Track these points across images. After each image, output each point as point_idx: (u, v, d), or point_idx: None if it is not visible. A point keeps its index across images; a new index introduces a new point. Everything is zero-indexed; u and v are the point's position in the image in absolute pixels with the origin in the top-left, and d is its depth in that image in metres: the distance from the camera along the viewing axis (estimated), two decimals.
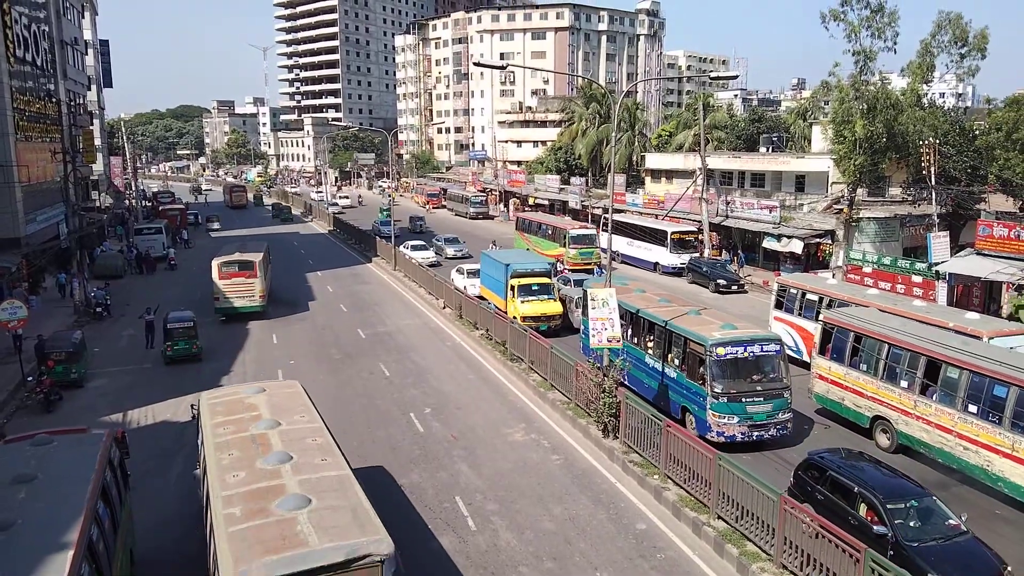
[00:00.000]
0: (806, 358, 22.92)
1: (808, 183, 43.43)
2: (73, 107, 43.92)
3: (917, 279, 30.06)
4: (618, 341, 18.31)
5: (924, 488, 13.22)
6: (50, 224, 35.87)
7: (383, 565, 9.04)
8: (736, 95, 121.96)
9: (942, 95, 55.93)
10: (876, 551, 10.81)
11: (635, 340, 21.37)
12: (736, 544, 13.11)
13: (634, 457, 16.69)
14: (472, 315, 29.39)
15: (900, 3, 49.63)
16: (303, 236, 62.69)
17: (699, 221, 43.23)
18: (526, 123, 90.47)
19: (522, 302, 28.20)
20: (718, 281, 36.63)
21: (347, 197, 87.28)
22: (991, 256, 28.14)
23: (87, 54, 55.14)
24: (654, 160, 57.71)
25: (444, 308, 32.70)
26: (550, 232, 43.93)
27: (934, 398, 16.55)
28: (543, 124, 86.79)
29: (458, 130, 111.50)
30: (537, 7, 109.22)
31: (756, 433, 17.57)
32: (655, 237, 42.03)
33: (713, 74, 31.73)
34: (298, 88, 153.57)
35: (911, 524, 12.24)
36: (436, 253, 46.91)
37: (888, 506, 12.34)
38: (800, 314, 24.41)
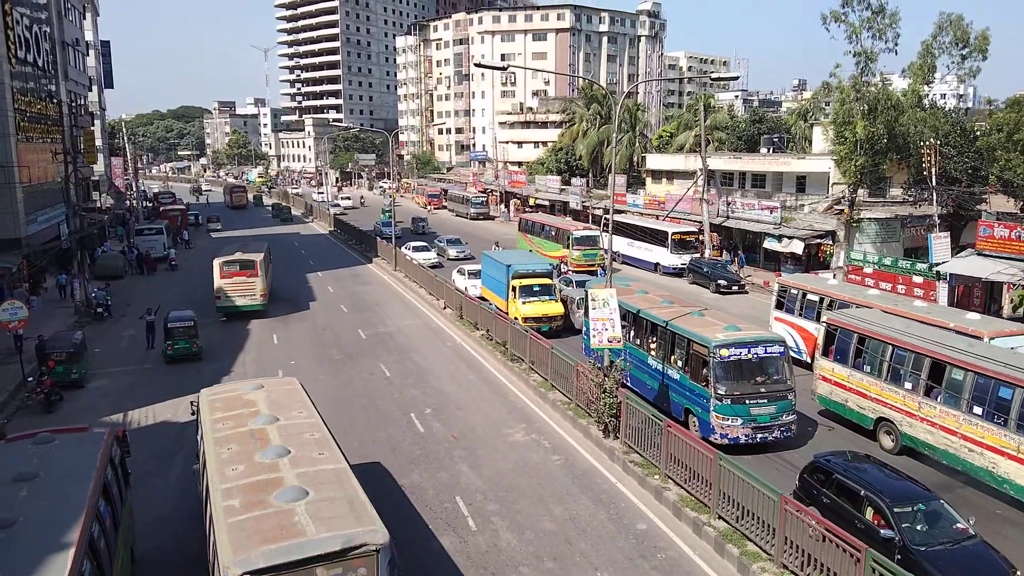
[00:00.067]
0: (807, 358, 22.97)
1: (809, 184, 43.46)
2: (74, 108, 43.92)
3: (918, 280, 30.05)
4: (619, 341, 18.29)
5: (931, 491, 13.12)
6: (51, 225, 35.89)
7: (378, 554, 9.13)
8: (737, 96, 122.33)
9: (943, 96, 55.84)
10: (883, 555, 10.72)
11: (638, 341, 21.34)
12: (737, 544, 13.10)
13: (635, 457, 16.68)
14: (473, 316, 29.38)
15: (901, 4, 49.72)
16: (304, 237, 62.68)
17: (700, 222, 43.19)
18: (527, 124, 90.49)
19: (523, 303, 28.18)
20: (719, 282, 36.63)
21: (349, 198, 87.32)
22: (992, 257, 28.16)
23: (88, 55, 55.29)
24: (655, 161, 57.73)
25: (445, 309, 32.70)
26: (554, 233, 43.89)
27: (938, 400, 16.49)
28: (544, 125, 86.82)
29: (459, 131, 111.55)
30: (538, 8, 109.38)
31: (760, 435, 17.50)
32: (656, 238, 42.00)
33: (714, 75, 31.79)
34: (299, 89, 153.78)
35: (919, 528, 12.14)
36: (438, 254, 46.95)
37: (895, 510, 12.24)
38: (801, 315, 24.43)
